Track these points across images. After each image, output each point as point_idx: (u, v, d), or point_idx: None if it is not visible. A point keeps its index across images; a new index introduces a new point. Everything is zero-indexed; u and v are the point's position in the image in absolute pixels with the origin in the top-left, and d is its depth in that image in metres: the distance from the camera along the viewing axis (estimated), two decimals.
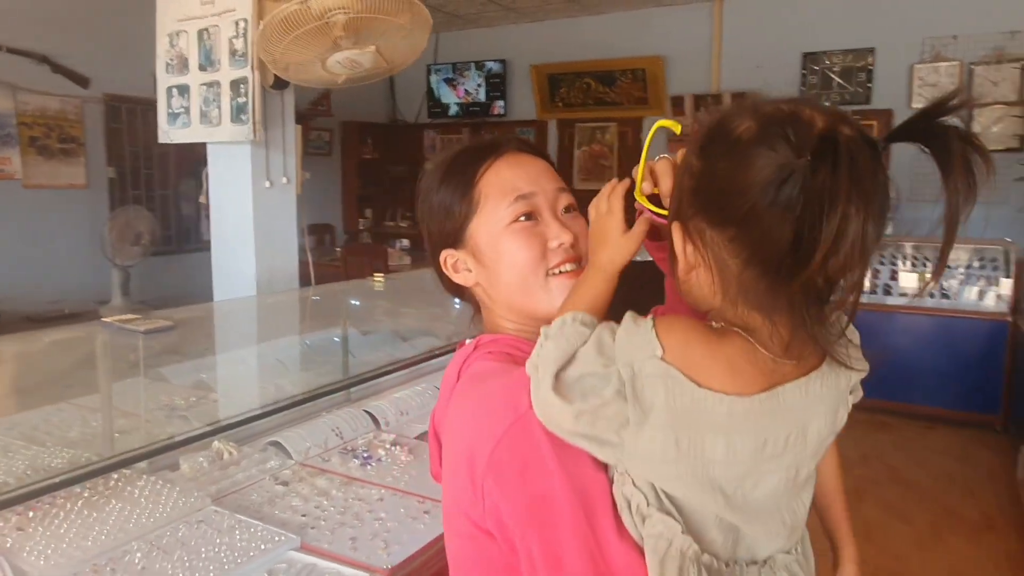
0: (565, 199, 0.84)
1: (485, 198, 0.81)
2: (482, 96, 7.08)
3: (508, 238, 0.80)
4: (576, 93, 6.70)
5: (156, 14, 2.11)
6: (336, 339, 2.12)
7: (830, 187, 0.55)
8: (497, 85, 7.00)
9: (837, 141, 0.56)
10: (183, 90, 2.07)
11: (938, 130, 0.61)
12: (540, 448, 0.67)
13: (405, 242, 5.56)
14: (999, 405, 4.38)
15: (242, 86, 1.94)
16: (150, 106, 5.36)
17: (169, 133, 2.12)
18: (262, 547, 1.33)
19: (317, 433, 1.87)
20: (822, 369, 0.66)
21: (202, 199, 2.15)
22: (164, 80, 2.10)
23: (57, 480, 1.42)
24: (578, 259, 0.82)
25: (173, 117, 2.10)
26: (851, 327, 0.69)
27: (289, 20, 1.83)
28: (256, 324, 2.07)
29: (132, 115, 5.40)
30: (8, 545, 1.28)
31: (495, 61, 6.95)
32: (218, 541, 1.34)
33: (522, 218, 0.81)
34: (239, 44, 1.93)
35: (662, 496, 0.65)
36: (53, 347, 1.62)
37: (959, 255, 4.79)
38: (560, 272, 0.81)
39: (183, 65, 2.06)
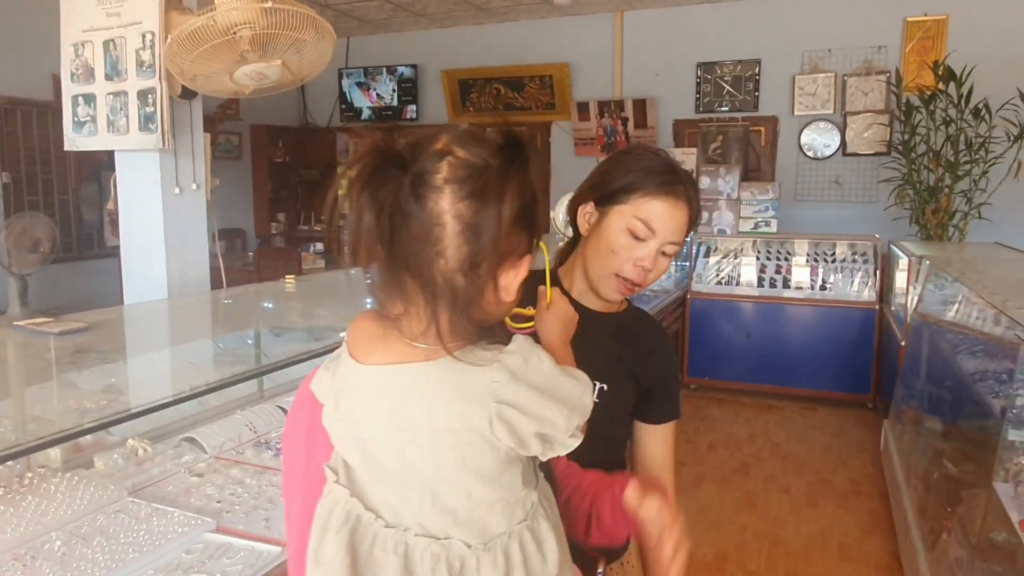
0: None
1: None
2: (394, 100, 7.16)
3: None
4: (486, 98, 6.88)
5: (60, 23, 2.14)
6: (249, 341, 2.21)
7: (436, 203, 0.69)
8: (409, 89, 7.10)
9: (442, 164, 0.70)
10: (89, 99, 2.11)
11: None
12: (299, 428, 0.84)
13: (319, 246, 5.59)
14: (870, 386, 4.84)
15: (150, 96, 2.00)
16: (47, 108, 5.23)
17: (75, 141, 2.15)
18: (179, 531, 1.43)
19: (231, 428, 1.95)
20: (440, 362, 0.72)
21: (110, 205, 2.19)
22: (69, 89, 2.13)
23: None
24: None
25: (79, 125, 2.13)
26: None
27: (196, 34, 1.92)
28: (168, 327, 2.12)
29: (28, 118, 5.21)
30: None
31: (406, 66, 7.05)
32: (136, 527, 1.43)
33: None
34: (146, 55, 1.99)
35: (337, 457, 0.78)
36: None
37: (837, 250, 5.24)
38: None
39: (89, 74, 2.10)
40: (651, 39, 6.21)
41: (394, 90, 7.14)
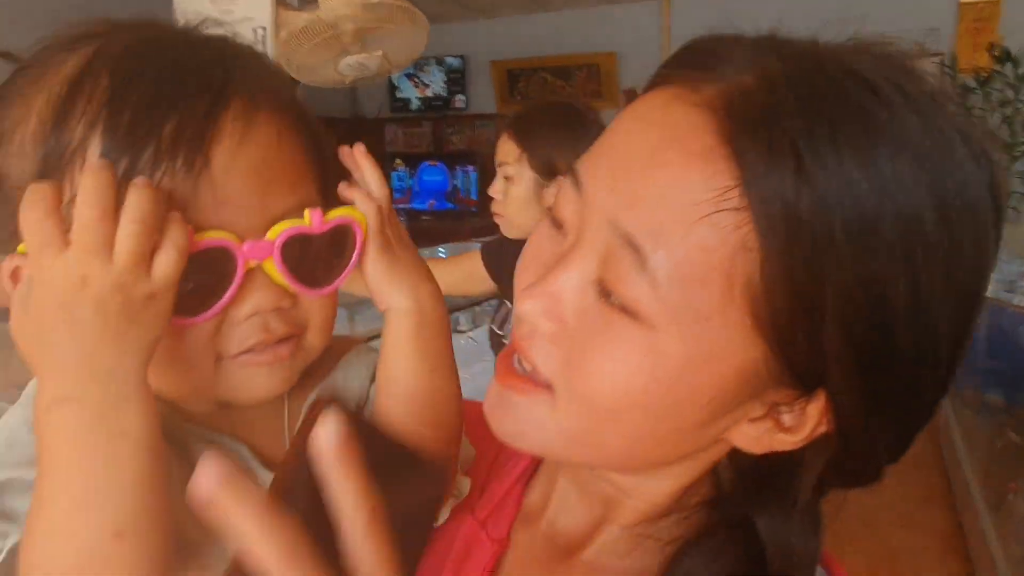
0: None
1: None
2: (444, 91, 7.32)
3: None
4: (534, 87, 7.00)
5: (174, 20, 2.32)
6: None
7: None
8: (457, 80, 7.25)
9: None
10: None
11: None
12: None
13: None
14: None
15: None
16: None
17: None
18: None
19: None
20: None
21: None
22: None
23: None
24: None
25: None
26: None
27: (307, 30, 2.08)
28: None
29: None
30: None
31: (455, 57, 7.20)
32: None
33: None
34: (257, 49, 2.15)
35: None
36: None
37: None
38: None
39: None
40: (698, 26, 6.12)
41: (444, 81, 7.30)
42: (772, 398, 0.40)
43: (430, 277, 0.54)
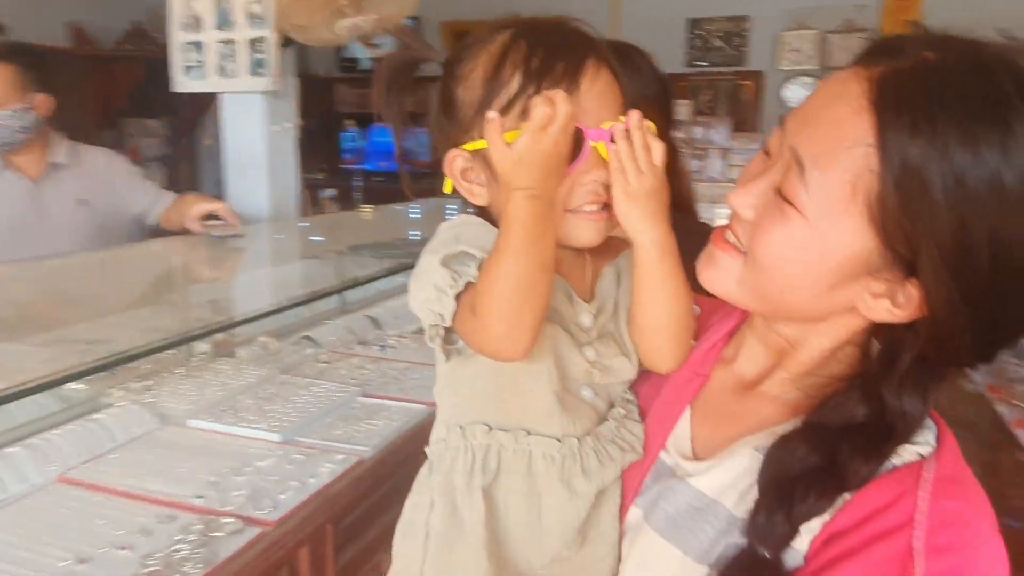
0: None
1: None
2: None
3: None
4: None
5: None
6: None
7: None
8: None
9: None
10: (198, 46, 2.39)
11: None
12: None
13: (332, 191, 5.84)
14: None
15: (259, 44, 2.29)
16: (65, 56, 5.35)
17: (184, 84, 2.44)
18: (337, 395, 1.78)
19: (336, 330, 2.31)
20: None
21: (207, 141, 2.50)
22: (180, 37, 2.41)
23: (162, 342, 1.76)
24: None
25: (188, 69, 2.41)
26: None
27: None
28: (270, 245, 2.45)
29: None
30: (145, 400, 1.67)
31: (408, 18, 7.21)
32: (303, 393, 1.78)
33: None
34: (256, 8, 2.27)
35: None
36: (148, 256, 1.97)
37: None
38: None
39: (197, 25, 2.37)
40: None
41: (395, 42, 7.31)
42: (884, 278, 0.59)
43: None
